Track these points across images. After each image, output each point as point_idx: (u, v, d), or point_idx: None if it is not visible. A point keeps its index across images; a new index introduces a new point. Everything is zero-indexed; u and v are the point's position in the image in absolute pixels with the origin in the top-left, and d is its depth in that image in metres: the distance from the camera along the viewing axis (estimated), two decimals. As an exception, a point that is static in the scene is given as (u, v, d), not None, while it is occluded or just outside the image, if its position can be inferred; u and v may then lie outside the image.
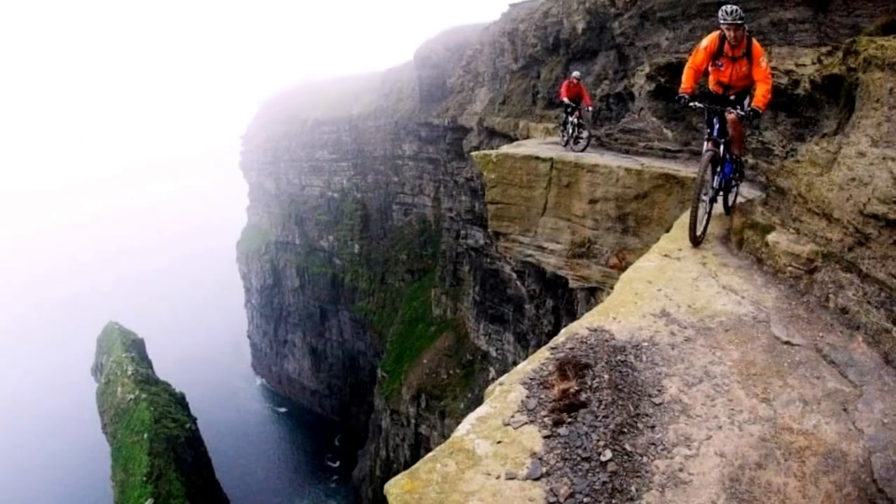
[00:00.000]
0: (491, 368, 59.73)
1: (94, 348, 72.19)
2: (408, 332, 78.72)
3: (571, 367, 6.96)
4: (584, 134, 23.68)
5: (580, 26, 33.74)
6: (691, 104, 11.27)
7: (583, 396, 6.49)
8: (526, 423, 6.18)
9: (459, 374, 65.22)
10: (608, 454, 5.71)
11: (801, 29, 16.47)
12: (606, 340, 7.72)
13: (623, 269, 15.39)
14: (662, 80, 21.99)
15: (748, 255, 10.57)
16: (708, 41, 10.99)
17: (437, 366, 67.72)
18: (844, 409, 6.44)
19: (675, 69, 20.60)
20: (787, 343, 7.66)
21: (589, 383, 6.73)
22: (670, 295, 9.15)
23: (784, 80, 15.18)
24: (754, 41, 10.76)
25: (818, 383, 6.86)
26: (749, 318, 8.34)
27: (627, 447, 5.86)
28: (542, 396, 6.59)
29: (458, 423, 6.79)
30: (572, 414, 6.24)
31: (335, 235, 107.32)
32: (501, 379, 7.10)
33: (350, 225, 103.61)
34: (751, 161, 16.72)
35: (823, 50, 13.02)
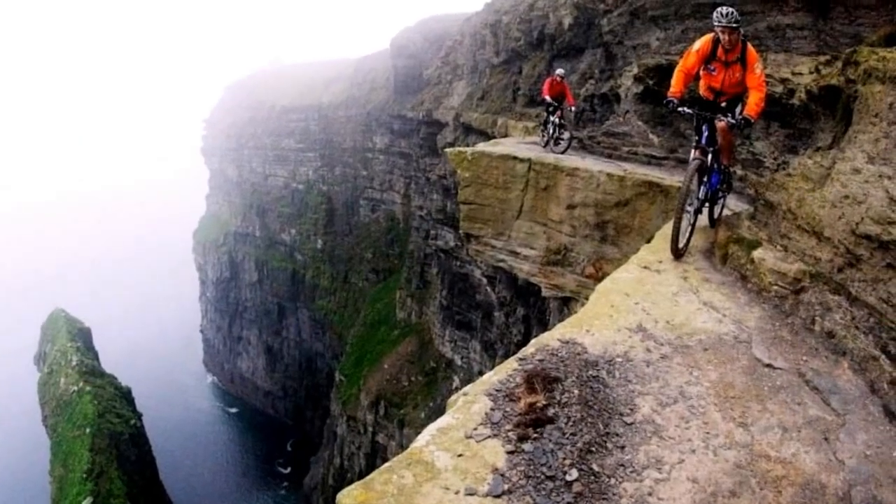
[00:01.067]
0: (455, 377, 59.75)
1: (37, 336, 71.77)
2: (369, 335, 78.68)
3: (540, 380, 6.90)
4: (566, 135, 23.63)
5: (567, 21, 33.76)
6: (680, 109, 11.19)
7: (550, 412, 6.44)
8: (489, 436, 6.11)
9: (421, 381, 65.22)
10: (574, 474, 5.65)
11: (799, 36, 16.52)
12: (578, 354, 7.67)
13: (599, 279, 15.39)
14: (651, 82, 22.02)
15: (732, 271, 10.57)
16: (701, 44, 10.93)
17: (398, 372, 67.68)
18: (825, 439, 6.43)
19: (664, 71, 20.64)
20: (768, 366, 7.65)
21: (558, 398, 6.68)
22: (648, 309, 9.12)
23: (779, 89, 15.21)
24: (749, 46, 10.72)
25: (799, 410, 6.85)
26: (730, 338, 8.33)
27: (595, 467, 5.81)
28: (508, 409, 6.53)
29: (417, 433, 6.72)
30: (538, 429, 6.18)
31: (298, 229, 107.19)
32: (466, 389, 7.04)
33: (314, 219, 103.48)
34: (739, 172, 16.76)
35: (822, 59, 13.06)
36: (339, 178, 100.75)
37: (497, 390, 6.85)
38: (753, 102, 10.51)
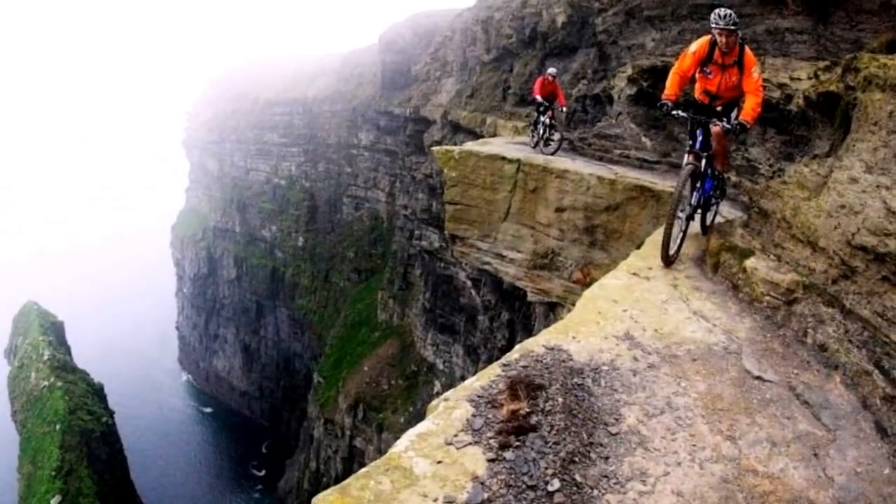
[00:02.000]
0: (436, 382, 59.71)
1: (9, 328, 71.40)
2: (349, 336, 78.57)
3: (523, 386, 6.85)
4: (556, 136, 23.62)
5: (560, 19, 33.79)
6: (674, 112, 11.17)
7: (533, 419, 6.39)
8: (470, 443, 6.05)
9: (402, 385, 65.17)
10: (556, 484, 5.59)
11: (798, 40, 16.52)
12: (563, 361, 7.62)
13: (587, 284, 15.35)
14: (645, 84, 22.02)
15: (723, 279, 10.55)
16: (697, 46, 10.89)
17: (378, 375, 67.59)
18: (815, 454, 6.39)
19: (659, 73, 20.62)
20: (758, 378, 7.62)
21: (541, 406, 6.63)
22: (636, 317, 9.08)
23: (776, 94, 15.23)
24: (747, 49, 10.68)
25: (789, 424, 6.82)
26: (719, 349, 8.30)
27: (577, 478, 5.75)
28: (490, 416, 6.47)
29: (396, 437, 6.68)
30: (521, 437, 6.13)
31: (279, 225, 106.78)
32: (447, 394, 6.98)
33: (296, 215, 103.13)
34: (734, 179, 16.78)
35: (821, 64, 13.04)
36: (322, 175, 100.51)
37: (479, 396, 6.79)
38: (750, 107, 10.47)
